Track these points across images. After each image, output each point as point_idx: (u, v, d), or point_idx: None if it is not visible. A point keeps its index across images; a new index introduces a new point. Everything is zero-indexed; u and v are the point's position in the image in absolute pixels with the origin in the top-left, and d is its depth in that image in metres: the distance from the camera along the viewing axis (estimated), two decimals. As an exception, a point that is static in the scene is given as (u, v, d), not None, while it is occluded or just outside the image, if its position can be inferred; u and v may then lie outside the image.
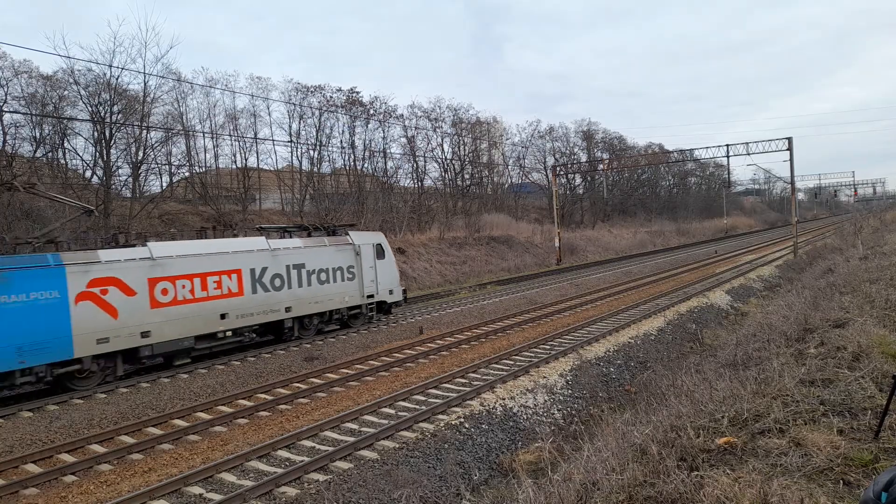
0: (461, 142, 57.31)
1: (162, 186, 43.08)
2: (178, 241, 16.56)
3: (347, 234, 20.65)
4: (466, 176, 58.78)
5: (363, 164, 49.23)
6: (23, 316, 12.39)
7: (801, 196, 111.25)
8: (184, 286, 15.31)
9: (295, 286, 18.02)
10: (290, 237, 19.18)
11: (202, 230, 18.39)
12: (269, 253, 17.47)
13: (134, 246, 15.05)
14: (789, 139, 38.69)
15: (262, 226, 21.33)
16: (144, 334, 14.46)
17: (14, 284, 12.34)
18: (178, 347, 15.26)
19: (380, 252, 21.20)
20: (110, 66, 32.27)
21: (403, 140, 51.83)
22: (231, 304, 16.29)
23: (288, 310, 17.83)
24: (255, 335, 17.32)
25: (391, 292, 21.65)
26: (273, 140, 47.52)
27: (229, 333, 16.39)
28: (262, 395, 13.10)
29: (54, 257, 13.21)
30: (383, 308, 21.65)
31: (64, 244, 14.47)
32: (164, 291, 14.93)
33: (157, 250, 15.00)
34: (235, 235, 18.47)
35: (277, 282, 17.55)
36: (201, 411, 12.18)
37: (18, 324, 12.32)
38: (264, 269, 17.18)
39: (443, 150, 55.39)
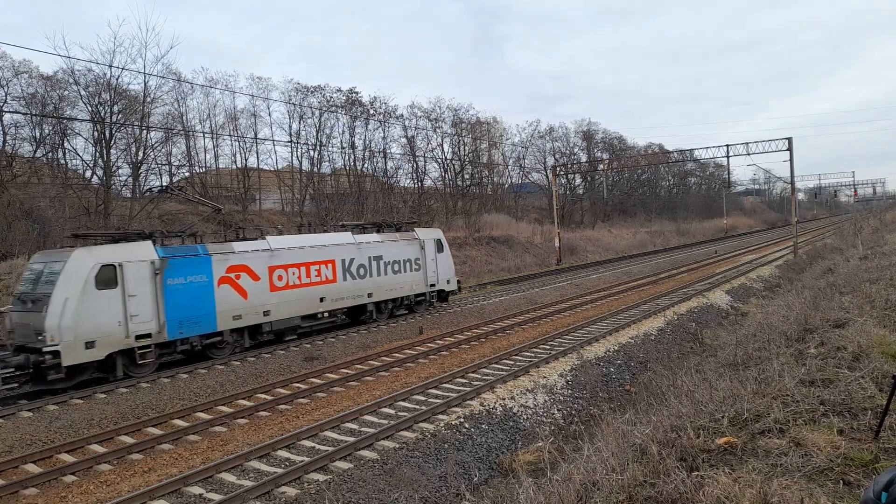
0: (461, 142, 57.36)
1: (162, 186, 43.09)
2: (285, 235, 19.60)
3: (413, 230, 23.37)
4: (466, 176, 58.78)
5: (363, 164, 49.28)
6: (182, 296, 15.08)
7: (801, 196, 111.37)
8: (293, 273, 17.92)
9: (375, 275, 20.71)
10: (366, 232, 21.64)
11: (301, 226, 21.09)
12: (356, 246, 20.17)
13: (256, 239, 17.80)
14: (789, 139, 38.68)
15: (344, 222, 24.69)
16: (266, 313, 17.13)
17: (176, 270, 14.98)
18: (290, 325, 17.93)
19: (440, 246, 23.84)
20: (110, 66, 32.31)
21: (403, 140, 51.89)
22: (328, 290, 18.98)
23: (370, 295, 20.55)
24: (344, 316, 20.29)
25: (448, 282, 24.23)
26: (273, 140, 47.60)
27: (326, 314, 19.09)
28: (262, 395, 13.10)
29: (202, 248, 15.91)
30: (442, 296, 24.24)
31: (200, 237, 17.35)
32: (280, 277, 17.57)
33: (274, 243, 17.74)
34: (325, 231, 21.23)
35: (362, 271, 20.25)
36: (201, 411, 12.18)
37: (179, 302, 15.00)
38: (352, 260, 19.91)
39: (443, 150, 55.47)
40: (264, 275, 17.03)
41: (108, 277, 13.79)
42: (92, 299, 13.41)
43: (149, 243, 14.99)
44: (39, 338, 12.87)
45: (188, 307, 15.15)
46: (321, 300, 18.67)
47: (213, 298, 15.75)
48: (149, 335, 14.34)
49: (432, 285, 23.21)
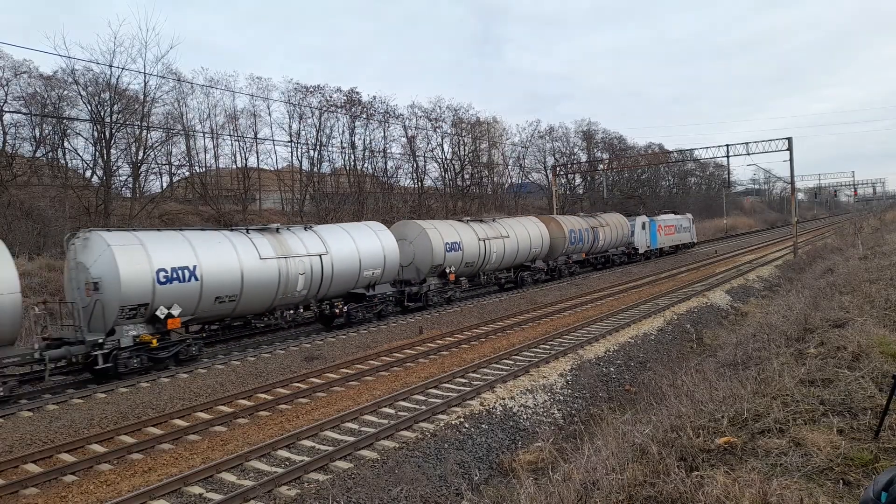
0: (461, 142, 57.31)
1: (162, 186, 43.11)
2: (661, 214, 46.56)
3: (686, 214, 51.54)
4: (466, 176, 58.74)
5: (363, 164, 49.26)
6: (652, 233, 42.76)
7: (800, 196, 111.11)
8: (666, 230, 45.10)
9: (679, 233, 47.41)
10: (675, 214, 49.69)
11: (664, 211, 52.19)
12: (675, 219, 47.48)
13: (655, 214, 46.42)
14: (789, 139, 38.68)
15: (663, 211, 51.67)
16: (662, 243, 44.57)
17: (650, 224, 42.87)
18: (668, 251, 45.65)
19: (693, 221, 51.61)
20: (110, 66, 32.34)
21: (403, 140, 51.88)
22: (672, 237, 46.17)
23: (678, 240, 47.24)
24: (671, 249, 46.39)
25: (696, 239, 53.10)
26: (273, 140, 47.56)
27: (676, 247, 47.11)
28: (262, 395, 13.09)
29: (647, 217, 43.46)
30: (692, 246, 50.85)
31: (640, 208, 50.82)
32: (665, 231, 44.78)
33: (661, 217, 45.82)
34: (658, 213, 48.03)
35: (677, 231, 46.93)
36: (201, 411, 12.17)
37: (651, 235, 42.67)
38: (674, 226, 46.44)
39: (443, 150, 55.43)
40: (662, 230, 44.08)
41: (644, 225, 41.69)
42: (640, 232, 41.11)
43: (644, 216, 42.63)
44: (634, 247, 40.72)
45: (652, 238, 42.42)
46: (671, 240, 45.86)
47: (655, 235, 42.75)
48: (649, 247, 42.29)
49: (691, 240, 50.13)
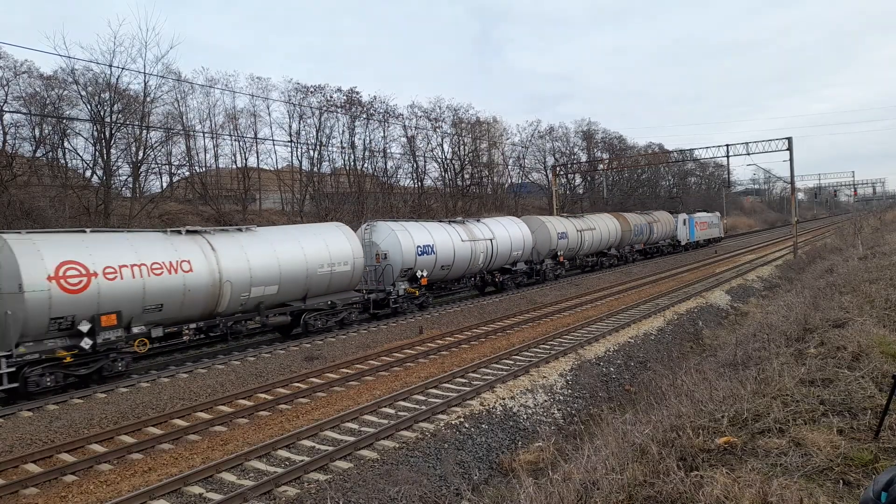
0: (461, 142, 57.29)
1: (162, 186, 43.10)
2: (697, 213, 56.38)
3: (715, 212, 61.25)
4: (466, 176, 58.72)
5: (363, 164, 49.24)
6: (685, 230, 50.42)
7: (800, 196, 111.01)
8: (700, 226, 52.58)
9: (710, 229, 54.76)
10: (706, 212, 59.85)
11: (698, 210, 64.85)
12: (708, 217, 56.29)
13: (692, 213, 55.01)
14: (789, 139, 38.66)
15: (697, 210, 60.06)
16: (700, 238, 52.67)
17: (689, 222, 50.77)
18: (702, 243, 53.24)
19: (719, 219, 58.68)
20: (110, 65, 32.31)
21: (403, 140, 51.88)
22: (705, 232, 53.61)
23: (710, 235, 54.91)
24: (705, 242, 54.09)
25: (723, 233, 60.97)
26: (273, 140, 47.53)
27: (708, 240, 54.77)
28: (262, 395, 13.09)
29: (687, 215, 51.75)
30: (719, 241, 57.78)
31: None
32: (700, 227, 52.41)
33: (697, 214, 54.32)
34: (683, 212, 54.10)
35: (709, 227, 54.92)
36: (201, 411, 12.17)
37: (690, 231, 50.66)
38: (709, 222, 54.90)
39: (443, 150, 55.43)
40: (698, 226, 51.41)
41: (685, 222, 50.08)
42: (682, 227, 49.61)
43: (685, 214, 52.03)
44: (677, 239, 49.46)
45: (691, 232, 50.24)
46: (705, 235, 52.73)
47: (693, 230, 50.67)
48: (689, 240, 50.06)
49: (719, 234, 57.20)
